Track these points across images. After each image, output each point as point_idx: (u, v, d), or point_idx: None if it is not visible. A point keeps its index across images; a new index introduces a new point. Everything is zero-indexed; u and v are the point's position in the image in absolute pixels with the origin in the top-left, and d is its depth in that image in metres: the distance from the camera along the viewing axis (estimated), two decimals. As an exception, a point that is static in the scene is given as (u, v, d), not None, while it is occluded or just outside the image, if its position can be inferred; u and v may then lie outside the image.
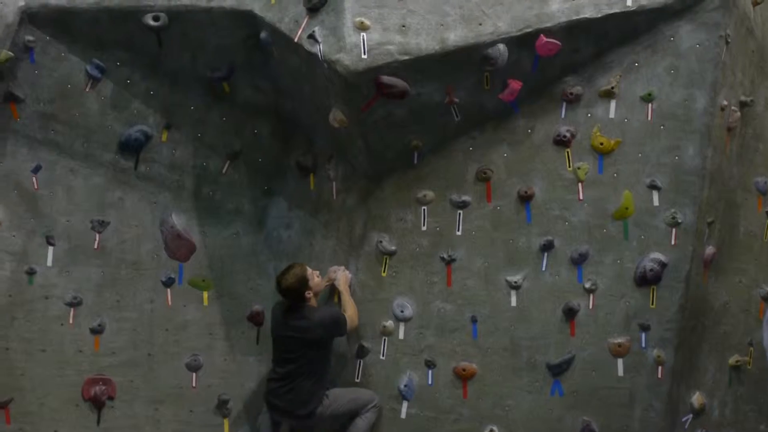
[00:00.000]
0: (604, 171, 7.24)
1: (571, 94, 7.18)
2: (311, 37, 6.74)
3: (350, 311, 7.22)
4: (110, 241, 7.56)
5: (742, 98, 7.47)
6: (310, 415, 7.09)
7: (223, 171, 7.74)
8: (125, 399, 7.57)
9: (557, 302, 7.31)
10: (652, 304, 7.27)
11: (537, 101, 7.21)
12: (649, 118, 7.19)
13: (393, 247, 7.28)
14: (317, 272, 7.26)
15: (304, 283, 7.05)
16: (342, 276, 7.35)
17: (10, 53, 7.01)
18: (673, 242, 7.22)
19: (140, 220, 7.61)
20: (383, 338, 7.36)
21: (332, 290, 7.49)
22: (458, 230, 7.31)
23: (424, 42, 6.70)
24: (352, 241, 7.46)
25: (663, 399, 7.30)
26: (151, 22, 7.18)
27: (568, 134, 7.21)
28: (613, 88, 7.18)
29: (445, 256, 7.31)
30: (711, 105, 7.12)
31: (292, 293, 7.05)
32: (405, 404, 7.41)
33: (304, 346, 7.02)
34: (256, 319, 7.82)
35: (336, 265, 7.45)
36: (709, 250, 6.94)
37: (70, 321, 7.48)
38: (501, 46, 6.79)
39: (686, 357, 7.16)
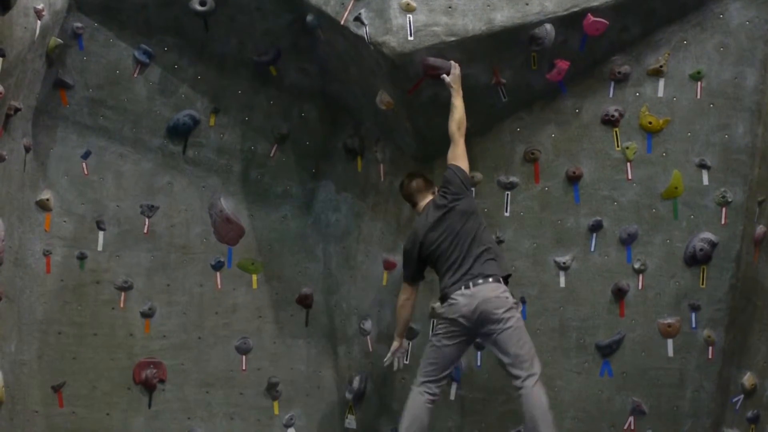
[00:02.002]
0: (652, 150, 7.20)
1: (619, 73, 7.15)
2: (357, 19, 6.74)
3: (461, 121, 6.63)
4: (160, 226, 7.62)
5: (793, 75, 7.41)
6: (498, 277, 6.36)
7: (271, 154, 7.77)
8: (176, 382, 7.62)
9: (606, 283, 7.28)
10: (702, 284, 7.23)
11: (584, 81, 7.18)
12: (698, 97, 7.15)
13: (438, 229, 7.29)
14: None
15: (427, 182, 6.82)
16: (455, 71, 6.70)
17: (59, 40, 7.06)
18: (723, 221, 7.18)
19: (189, 204, 7.66)
20: (432, 320, 7.36)
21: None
22: (506, 211, 7.30)
23: (471, 23, 6.69)
24: (400, 224, 7.46)
25: (713, 380, 7.26)
26: (198, 7, 7.21)
27: (616, 114, 7.18)
28: (661, 66, 7.14)
29: (494, 237, 7.29)
30: (761, 82, 7.06)
31: (412, 197, 6.85)
32: (454, 386, 7.41)
33: (464, 216, 6.48)
34: (304, 301, 7.85)
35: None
36: (760, 229, 6.87)
37: (121, 305, 7.54)
38: (548, 26, 6.76)
39: (737, 337, 7.10)
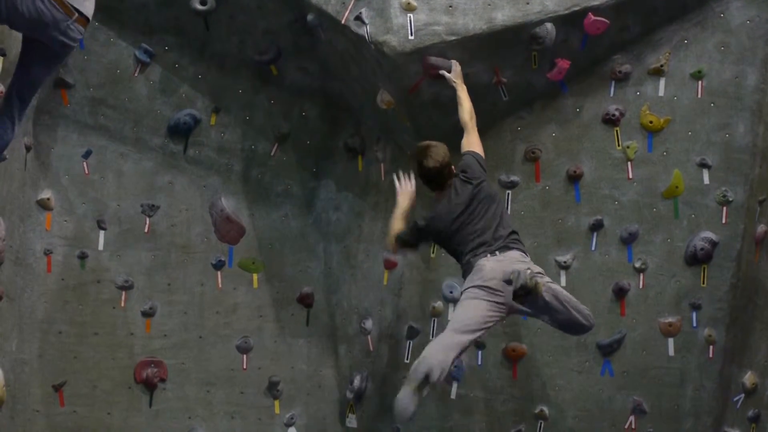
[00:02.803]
0: (653, 149, 7.21)
1: (620, 72, 7.15)
2: (358, 18, 6.75)
3: (470, 112, 6.57)
4: (160, 225, 7.61)
5: (794, 74, 7.41)
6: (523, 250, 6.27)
7: (272, 153, 7.77)
8: (177, 381, 7.62)
9: (607, 282, 7.29)
10: (703, 283, 7.23)
11: (585, 80, 7.19)
12: (699, 96, 7.15)
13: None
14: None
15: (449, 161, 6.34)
16: (456, 68, 6.69)
17: (60, 39, 7.05)
18: (723, 221, 7.18)
19: (190, 203, 7.66)
20: (433, 319, 7.37)
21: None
22: (507, 210, 7.29)
23: (471, 22, 6.69)
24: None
25: (714, 379, 7.26)
26: (199, 6, 7.20)
27: (616, 113, 7.18)
28: (662, 65, 7.14)
29: (494, 236, 7.30)
30: (762, 82, 7.07)
31: (439, 176, 6.36)
32: (455, 385, 7.42)
33: (483, 200, 6.32)
34: (305, 300, 7.85)
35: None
36: (761, 228, 6.88)
37: (122, 304, 7.54)
38: (549, 25, 6.76)
39: (738, 336, 7.11)
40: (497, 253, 6.16)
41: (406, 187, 6.66)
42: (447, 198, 6.36)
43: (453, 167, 6.40)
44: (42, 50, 5.47)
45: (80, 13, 5.37)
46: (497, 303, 6.02)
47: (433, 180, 6.37)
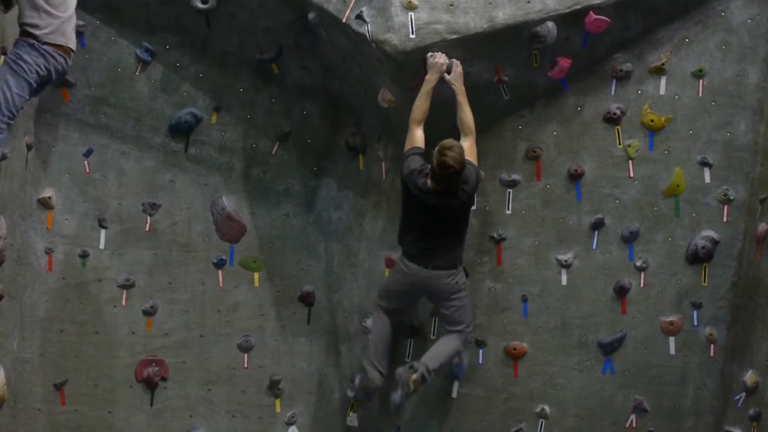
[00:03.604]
0: (654, 148, 7.21)
1: (621, 71, 7.15)
2: (359, 17, 6.74)
3: (469, 117, 6.72)
4: (161, 224, 7.61)
5: (795, 73, 7.40)
6: (457, 265, 6.87)
7: (273, 152, 7.76)
8: (178, 380, 7.63)
9: (608, 280, 7.29)
10: (704, 281, 7.24)
11: (586, 79, 7.18)
12: (700, 95, 7.15)
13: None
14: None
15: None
16: (457, 69, 6.70)
17: (61, 38, 7.06)
18: (724, 219, 7.19)
19: (191, 202, 7.65)
20: (433, 318, 7.37)
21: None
22: (508, 209, 7.30)
23: (473, 20, 6.68)
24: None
25: (715, 377, 7.27)
26: (200, 5, 7.20)
27: (618, 111, 7.18)
28: (663, 64, 7.14)
29: (495, 235, 7.30)
30: (763, 80, 7.07)
31: (455, 179, 6.56)
32: (456, 384, 7.42)
33: (459, 212, 6.80)
34: (306, 299, 7.85)
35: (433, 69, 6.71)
36: (762, 227, 6.89)
37: (123, 303, 7.54)
38: (550, 24, 6.75)
39: (739, 335, 7.11)
40: (430, 269, 6.83)
41: (438, 60, 6.65)
42: (449, 195, 6.62)
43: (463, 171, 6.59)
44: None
45: (72, 50, 6.04)
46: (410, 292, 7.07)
47: (444, 177, 6.52)
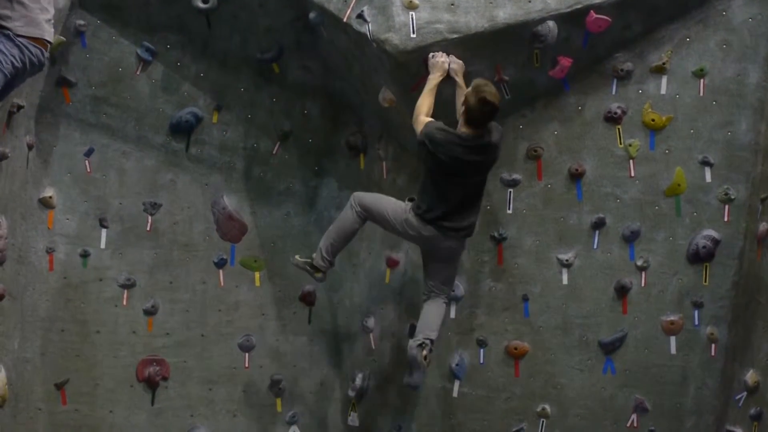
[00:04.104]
0: (655, 147, 7.21)
1: (622, 70, 7.15)
2: (360, 16, 6.74)
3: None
4: (162, 223, 7.61)
5: (796, 72, 7.40)
6: (473, 233, 6.88)
7: (274, 152, 7.76)
8: (179, 379, 7.62)
9: (609, 280, 7.29)
10: (705, 281, 7.24)
11: (587, 78, 7.18)
12: (701, 94, 7.15)
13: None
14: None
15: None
16: (457, 64, 6.75)
17: (62, 38, 7.04)
18: (725, 219, 7.19)
19: (192, 201, 7.65)
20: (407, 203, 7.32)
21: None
22: (509, 208, 7.30)
23: (473, 20, 6.69)
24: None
25: (716, 377, 7.27)
26: (201, 5, 7.20)
27: (619, 111, 7.18)
28: (664, 63, 7.14)
29: (496, 234, 7.30)
30: (764, 79, 7.07)
31: (492, 117, 6.54)
32: (457, 383, 7.43)
33: (483, 170, 6.72)
34: (307, 299, 7.85)
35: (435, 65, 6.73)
36: (763, 226, 6.88)
37: (124, 302, 7.54)
38: (551, 23, 6.75)
39: (740, 334, 7.11)
40: (448, 234, 6.70)
41: (441, 59, 6.67)
42: (479, 146, 6.55)
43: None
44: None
45: (48, 42, 5.84)
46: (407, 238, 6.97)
47: (483, 114, 6.48)
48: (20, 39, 5.62)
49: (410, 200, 6.83)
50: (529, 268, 7.33)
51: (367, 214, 6.93)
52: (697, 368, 7.30)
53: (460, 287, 7.30)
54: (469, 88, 6.50)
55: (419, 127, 6.59)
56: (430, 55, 6.66)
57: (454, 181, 6.60)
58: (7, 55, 5.55)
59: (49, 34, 5.77)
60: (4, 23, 5.62)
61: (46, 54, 5.79)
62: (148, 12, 7.30)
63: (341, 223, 7.00)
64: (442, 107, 6.68)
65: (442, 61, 6.64)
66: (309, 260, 6.98)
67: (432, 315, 6.87)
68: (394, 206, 6.85)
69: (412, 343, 6.72)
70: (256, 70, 7.59)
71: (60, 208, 7.41)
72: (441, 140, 6.48)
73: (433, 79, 6.65)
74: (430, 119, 6.61)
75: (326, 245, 6.95)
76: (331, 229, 7.00)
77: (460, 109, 6.66)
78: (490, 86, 6.48)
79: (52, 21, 5.84)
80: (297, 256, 7.09)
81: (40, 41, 5.69)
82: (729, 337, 7.23)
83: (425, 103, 6.65)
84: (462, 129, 6.55)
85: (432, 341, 6.76)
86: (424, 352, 6.67)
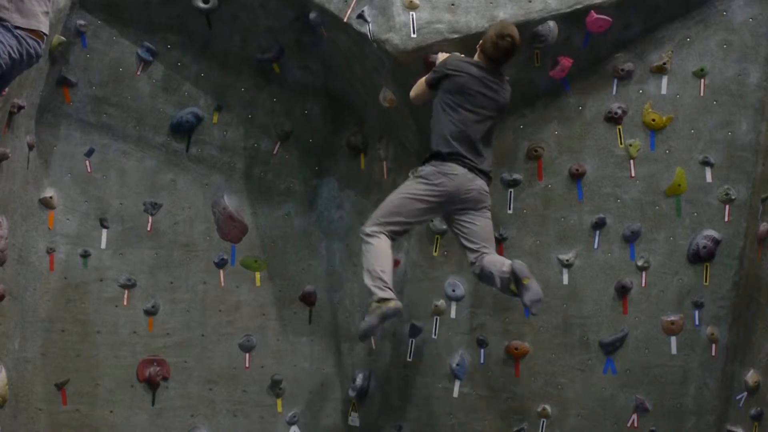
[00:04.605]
0: (656, 148, 7.21)
1: (622, 70, 7.15)
2: (360, 17, 6.75)
3: None
4: (163, 223, 7.61)
5: (797, 72, 7.40)
6: (491, 175, 6.67)
7: (274, 152, 7.77)
8: (179, 380, 7.62)
9: (609, 280, 7.30)
10: (706, 281, 7.24)
11: (588, 78, 7.19)
12: (702, 94, 7.16)
13: (444, 227, 7.26)
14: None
15: None
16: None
17: (63, 38, 7.05)
18: (726, 219, 7.19)
19: (192, 201, 7.66)
20: (435, 318, 7.37)
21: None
22: (509, 208, 7.31)
23: (474, 20, 6.70)
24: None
25: (717, 377, 7.27)
26: (201, 5, 7.21)
27: (619, 111, 7.18)
28: (664, 63, 7.15)
29: (496, 234, 7.29)
30: (765, 79, 7.09)
31: (511, 55, 6.50)
32: (457, 383, 7.43)
33: (500, 109, 6.61)
34: (308, 299, 7.85)
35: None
36: (764, 226, 6.88)
37: (125, 303, 7.54)
38: (551, 23, 6.76)
39: (740, 334, 7.11)
40: (473, 173, 6.46)
41: (446, 56, 6.65)
42: (492, 81, 6.49)
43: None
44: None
45: (45, 34, 5.73)
46: (436, 206, 6.52)
47: (503, 53, 6.45)
48: (18, 31, 5.59)
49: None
50: (529, 268, 7.28)
51: (387, 226, 6.49)
52: (698, 368, 7.30)
53: (460, 287, 7.31)
54: (491, 31, 6.46)
55: (420, 82, 6.57)
56: (439, 53, 6.66)
57: (467, 110, 6.44)
58: (4, 45, 5.50)
59: (45, 26, 5.72)
60: (0, 15, 5.60)
61: (43, 45, 5.74)
62: (148, 12, 7.31)
63: (369, 254, 6.47)
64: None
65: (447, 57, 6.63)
66: (375, 303, 6.29)
67: (497, 257, 6.51)
68: (400, 190, 6.59)
69: (504, 267, 6.33)
70: (256, 70, 7.59)
71: (60, 209, 7.41)
72: (457, 64, 6.44)
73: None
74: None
75: (370, 278, 6.38)
76: (366, 263, 6.44)
77: None
78: (512, 25, 6.47)
79: (49, 14, 5.79)
80: (365, 319, 6.34)
81: (36, 33, 5.64)
82: (729, 337, 7.23)
83: (421, 84, 6.62)
84: (482, 60, 6.51)
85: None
86: (517, 263, 6.35)
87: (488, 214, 6.58)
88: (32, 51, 5.65)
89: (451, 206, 6.51)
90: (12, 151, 6.68)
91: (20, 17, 5.59)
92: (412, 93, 6.67)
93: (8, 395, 6.55)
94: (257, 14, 7.31)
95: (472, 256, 6.51)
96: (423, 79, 6.58)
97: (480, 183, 6.50)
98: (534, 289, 6.28)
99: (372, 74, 7.14)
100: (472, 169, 6.46)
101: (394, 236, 6.52)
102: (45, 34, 5.74)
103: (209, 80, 7.55)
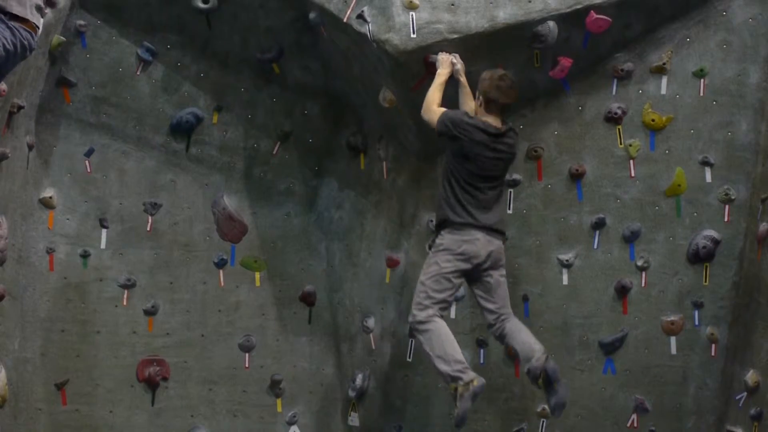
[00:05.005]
0: (655, 148, 7.20)
1: (622, 70, 7.14)
2: (360, 17, 6.74)
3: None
4: (163, 224, 7.61)
5: (797, 72, 7.40)
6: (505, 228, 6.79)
7: (274, 152, 7.77)
8: (179, 380, 7.62)
9: (609, 280, 7.29)
10: (705, 281, 7.23)
11: (588, 78, 7.18)
12: (702, 94, 7.14)
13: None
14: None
15: None
16: (461, 64, 6.74)
17: (62, 38, 7.05)
18: (726, 219, 7.18)
19: (192, 202, 7.66)
20: (431, 242, 7.32)
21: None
22: (509, 209, 7.30)
23: (474, 20, 6.69)
24: (403, 221, 7.47)
25: (716, 377, 7.26)
26: (201, 5, 7.20)
27: (619, 111, 7.18)
28: (664, 63, 7.14)
29: (496, 234, 7.30)
30: (764, 80, 7.06)
31: (513, 95, 6.60)
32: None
33: (508, 162, 6.72)
34: (307, 299, 7.85)
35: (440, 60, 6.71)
36: (763, 226, 6.87)
37: (124, 303, 7.54)
38: (551, 23, 6.75)
39: (740, 334, 7.11)
40: (489, 235, 6.56)
41: (448, 58, 6.67)
42: (499, 141, 6.54)
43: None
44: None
45: (37, 27, 5.60)
46: (465, 273, 6.60)
47: (509, 92, 6.56)
48: (12, 23, 5.52)
49: (433, 239, 6.73)
50: (529, 269, 7.33)
51: (434, 308, 6.53)
52: (698, 368, 7.29)
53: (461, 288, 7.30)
54: (487, 77, 6.52)
55: (434, 116, 6.55)
56: (441, 52, 6.66)
57: (479, 176, 6.55)
58: None
59: (37, 18, 5.69)
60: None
61: (36, 38, 5.63)
62: (148, 12, 7.30)
63: (434, 341, 6.50)
64: (447, 107, 6.67)
65: (448, 57, 6.65)
66: (462, 386, 6.35)
67: (524, 333, 6.61)
68: (430, 271, 6.59)
69: (538, 361, 6.40)
70: (256, 71, 7.59)
71: (60, 209, 7.41)
72: (463, 123, 6.46)
73: (443, 74, 6.65)
74: (445, 109, 6.58)
75: (445, 364, 6.43)
76: (433, 350, 6.48)
77: (465, 104, 6.70)
78: (507, 73, 6.59)
79: (43, 9, 5.71)
80: (458, 405, 6.34)
81: (30, 24, 5.58)
82: (729, 337, 7.23)
83: (436, 96, 6.63)
84: (486, 118, 6.55)
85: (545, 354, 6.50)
86: (551, 362, 6.48)
87: (504, 271, 6.70)
88: (26, 43, 5.52)
89: (476, 269, 6.59)
90: (12, 151, 6.68)
91: (14, 5, 5.53)
92: (425, 116, 6.66)
93: (8, 395, 6.55)
94: (257, 14, 7.31)
95: (491, 318, 6.66)
96: (435, 107, 6.58)
97: (498, 243, 6.63)
98: (561, 393, 6.45)
99: (372, 74, 7.14)
100: (489, 231, 6.57)
101: (443, 313, 6.64)
102: (37, 26, 5.68)
103: (209, 80, 7.55)
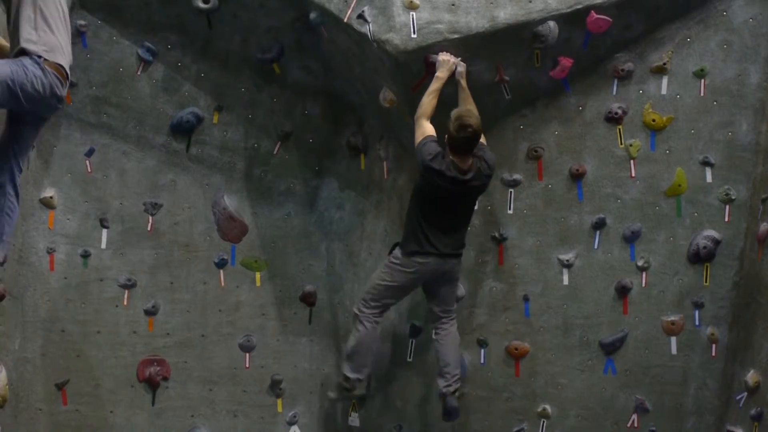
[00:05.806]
0: (656, 148, 7.20)
1: (623, 70, 7.15)
2: (361, 17, 6.74)
3: (475, 110, 6.66)
4: (163, 224, 7.61)
5: (797, 72, 7.40)
6: (465, 246, 7.06)
7: (275, 152, 7.76)
8: (179, 380, 7.62)
9: (610, 280, 7.29)
10: (706, 281, 7.24)
11: (588, 78, 7.18)
12: (702, 94, 7.15)
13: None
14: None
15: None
16: (462, 66, 6.75)
17: (62, 38, 7.05)
18: (726, 219, 7.18)
19: (192, 202, 7.65)
20: (391, 252, 7.32)
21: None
22: (509, 209, 7.30)
23: (474, 20, 6.68)
24: (403, 221, 7.44)
25: (717, 377, 7.27)
26: (201, 5, 7.20)
27: (619, 111, 7.18)
28: (665, 64, 7.14)
29: (497, 234, 7.31)
30: (765, 80, 7.07)
31: (475, 141, 6.58)
32: (457, 383, 7.42)
33: (476, 195, 6.90)
34: (308, 299, 7.85)
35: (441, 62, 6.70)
36: (764, 226, 6.88)
37: (125, 303, 7.54)
38: (551, 24, 6.75)
39: (740, 335, 7.11)
40: (446, 259, 6.87)
41: (448, 59, 6.67)
42: (466, 178, 6.61)
43: (483, 139, 6.74)
44: (31, 117, 5.73)
45: (68, 74, 5.68)
46: (417, 283, 7.05)
47: (467, 142, 6.53)
48: (47, 67, 5.50)
49: (396, 245, 6.99)
50: (529, 269, 7.34)
51: (381, 302, 7.05)
52: (698, 368, 7.30)
53: (460, 287, 7.30)
54: (451, 118, 6.52)
55: (417, 137, 6.63)
56: (441, 52, 6.65)
57: (444, 210, 6.76)
58: (27, 73, 5.42)
59: (68, 61, 5.68)
60: (32, 47, 5.50)
61: (66, 86, 5.65)
62: (148, 12, 7.30)
63: (358, 340, 7.11)
64: (442, 107, 6.67)
65: (449, 60, 6.64)
66: (345, 386, 7.19)
67: (451, 349, 7.05)
68: (383, 277, 6.98)
69: (446, 389, 6.97)
70: (256, 71, 7.59)
71: (61, 209, 7.41)
72: (429, 168, 6.55)
73: (440, 79, 6.65)
74: (429, 132, 6.63)
75: (351, 364, 7.17)
76: (352, 347, 7.12)
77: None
78: (470, 112, 6.55)
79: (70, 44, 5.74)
80: (330, 393, 7.45)
81: (61, 72, 5.57)
82: (729, 337, 7.23)
83: (429, 103, 6.65)
84: (450, 157, 6.60)
85: (461, 380, 7.04)
86: (457, 394, 6.96)
87: (458, 280, 7.15)
88: (57, 90, 5.56)
89: (428, 281, 7.01)
90: (12, 152, 6.67)
91: (49, 51, 5.52)
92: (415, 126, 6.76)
93: (8, 395, 6.54)
94: (257, 14, 7.30)
95: (431, 317, 7.15)
96: (423, 122, 6.66)
97: (453, 263, 6.96)
98: (454, 416, 7.09)
99: (372, 74, 7.14)
100: (446, 256, 6.86)
101: (384, 312, 7.13)
102: (67, 75, 5.64)
103: (209, 80, 7.54)
